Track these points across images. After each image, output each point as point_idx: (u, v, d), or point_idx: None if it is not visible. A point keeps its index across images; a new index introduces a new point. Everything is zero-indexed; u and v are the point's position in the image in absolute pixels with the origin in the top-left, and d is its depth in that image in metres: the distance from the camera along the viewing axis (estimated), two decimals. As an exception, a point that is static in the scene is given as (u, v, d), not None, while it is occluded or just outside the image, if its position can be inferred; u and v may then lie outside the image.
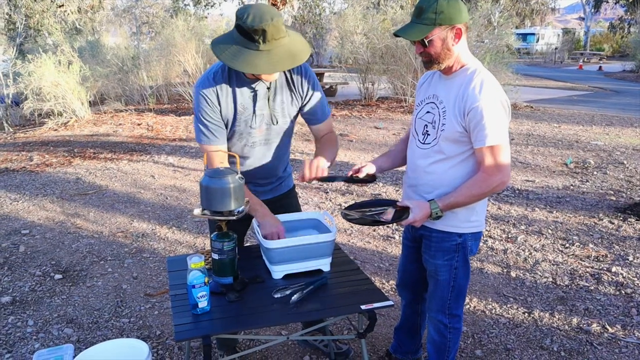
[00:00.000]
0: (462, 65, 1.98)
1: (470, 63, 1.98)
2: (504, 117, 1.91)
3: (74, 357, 2.09)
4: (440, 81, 2.07)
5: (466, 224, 2.09)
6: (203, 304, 1.85)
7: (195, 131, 2.19)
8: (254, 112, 2.14)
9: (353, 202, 5.26)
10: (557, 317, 3.18)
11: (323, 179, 2.17)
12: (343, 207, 2.16)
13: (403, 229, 2.47)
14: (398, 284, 2.58)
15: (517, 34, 32.64)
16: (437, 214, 1.96)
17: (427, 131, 2.07)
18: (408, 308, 2.57)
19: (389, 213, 2.05)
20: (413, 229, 2.26)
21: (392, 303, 2.00)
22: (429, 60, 1.95)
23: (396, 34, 1.96)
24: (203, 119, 2.12)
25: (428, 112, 2.08)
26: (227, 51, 1.91)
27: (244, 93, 2.11)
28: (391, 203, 2.13)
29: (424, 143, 2.09)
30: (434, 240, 2.14)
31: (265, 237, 2.14)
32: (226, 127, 2.17)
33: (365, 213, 2.15)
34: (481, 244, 4.26)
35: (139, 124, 10.08)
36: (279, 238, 2.15)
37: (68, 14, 20.54)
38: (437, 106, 2.03)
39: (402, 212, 2.02)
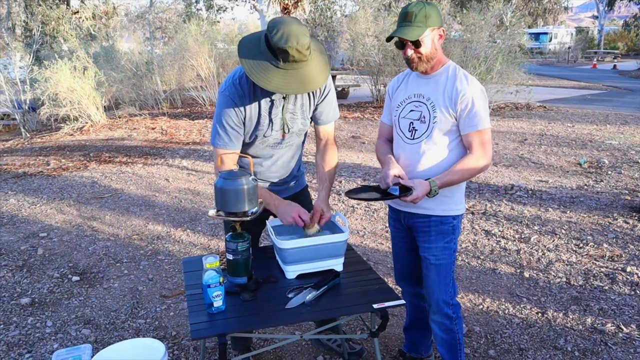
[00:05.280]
0: (442, 63, 2.18)
1: (449, 62, 2.20)
2: (486, 103, 2.14)
3: (91, 356, 2.13)
4: (421, 81, 2.23)
5: (460, 207, 2.29)
6: (218, 303, 1.89)
7: (212, 133, 2.22)
8: (271, 119, 2.18)
9: (366, 202, 5.28)
10: (571, 317, 3.17)
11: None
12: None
13: (390, 223, 2.53)
14: (397, 278, 2.63)
15: (530, 33, 32.37)
16: (435, 191, 2.09)
17: (414, 127, 2.21)
18: (412, 298, 2.60)
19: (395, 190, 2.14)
20: (404, 219, 2.35)
21: (405, 302, 2.02)
22: (420, 60, 2.11)
23: (392, 36, 2.09)
24: (225, 123, 2.15)
25: (412, 110, 2.23)
26: (250, 58, 1.97)
27: (265, 98, 2.15)
28: (395, 183, 2.17)
29: (412, 139, 2.22)
30: (433, 225, 2.25)
31: (290, 224, 2.21)
32: (248, 131, 2.20)
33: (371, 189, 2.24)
34: (494, 244, 4.27)
35: (153, 128, 10.18)
36: (300, 218, 2.20)
37: (83, 20, 20.82)
38: (424, 103, 2.19)
39: (404, 190, 2.12)
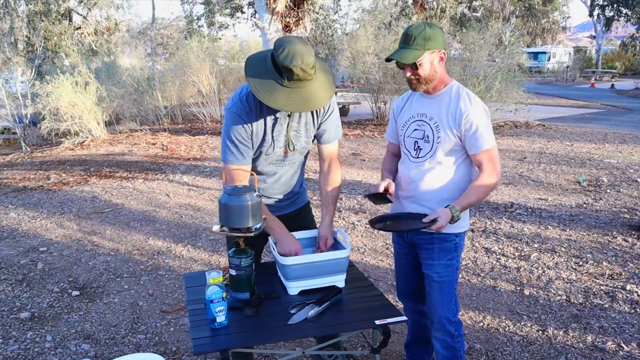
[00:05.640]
0: (445, 84, 2.21)
1: (452, 81, 2.22)
2: (489, 121, 2.18)
3: (93, 371, 2.13)
4: (424, 100, 2.26)
5: (462, 224, 2.28)
6: (221, 318, 1.89)
7: (222, 150, 2.24)
8: (274, 136, 2.21)
9: (366, 219, 5.29)
10: (571, 335, 3.17)
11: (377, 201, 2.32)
12: (366, 221, 2.25)
13: (393, 239, 2.58)
14: (399, 294, 2.64)
15: (529, 52, 32.64)
16: (457, 216, 2.11)
17: (418, 146, 2.25)
18: (414, 315, 2.60)
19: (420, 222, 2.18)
20: (407, 235, 2.39)
21: (406, 319, 2.03)
22: (418, 81, 2.15)
23: (390, 58, 2.14)
24: (234, 138, 2.17)
25: (416, 129, 2.27)
26: (256, 77, 2.00)
27: (270, 115, 2.18)
28: (418, 216, 2.22)
29: (417, 157, 2.26)
30: (436, 242, 2.27)
31: (283, 255, 2.20)
32: (253, 147, 2.23)
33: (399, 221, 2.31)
34: (494, 261, 4.27)
35: (153, 144, 10.22)
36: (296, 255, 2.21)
37: (85, 36, 20.97)
38: (427, 123, 2.22)
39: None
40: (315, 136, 2.37)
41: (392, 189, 2.29)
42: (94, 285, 4.02)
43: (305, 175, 2.65)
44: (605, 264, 4.19)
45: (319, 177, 2.50)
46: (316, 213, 2.68)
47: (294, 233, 2.33)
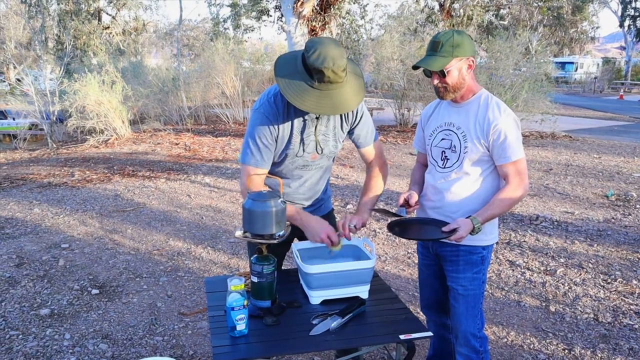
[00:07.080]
0: (473, 92, 2.14)
1: (481, 90, 2.16)
2: (519, 133, 2.11)
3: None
4: (452, 109, 2.20)
5: (490, 237, 2.23)
6: (241, 326, 1.85)
7: (242, 150, 2.20)
8: (302, 139, 2.16)
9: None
10: (599, 355, 3.06)
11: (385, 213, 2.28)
12: (386, 224, 2.19)
13: (418, 250, 2.52)
14: (423, 306, 2.58)
15: (556, 62, 32.17)
16: (479, 228, 2.05)
17: (445, 156, 2.20)
18: (437, 328, 2.54)
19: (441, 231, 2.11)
20: (432, 246, 2.34)
21: (432, 334, 1.96)
22: (445, 89, 2.09)
23: (417, 66, 2.10)
24: (257, 140, 2.12)
25: (443, 139, 2.21)
26: (285, 77, 1.96)
27: (298, 118, 2.13)
28: (438, 224, 2.15)
29: (444, 167, 2.21)
30: (462, 255, 2.22)
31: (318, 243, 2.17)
32: (278, 151, 2.18)
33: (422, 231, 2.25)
34: (519, 275, 4.17)
35: (176, 144, 10.28)
36: (329, 238, 2.15)
37: (113, 35, 21.28)
38: (455, 132, 2.17)
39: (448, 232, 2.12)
40: (352, 142, 2.33)
41: (412, 201, 2.24)
42: (113, 284, 4.02)
43: (330, 181, 2.59)
44: (635, 282, 4.05)
45: (365, 177, 2.46)
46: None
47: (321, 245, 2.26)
